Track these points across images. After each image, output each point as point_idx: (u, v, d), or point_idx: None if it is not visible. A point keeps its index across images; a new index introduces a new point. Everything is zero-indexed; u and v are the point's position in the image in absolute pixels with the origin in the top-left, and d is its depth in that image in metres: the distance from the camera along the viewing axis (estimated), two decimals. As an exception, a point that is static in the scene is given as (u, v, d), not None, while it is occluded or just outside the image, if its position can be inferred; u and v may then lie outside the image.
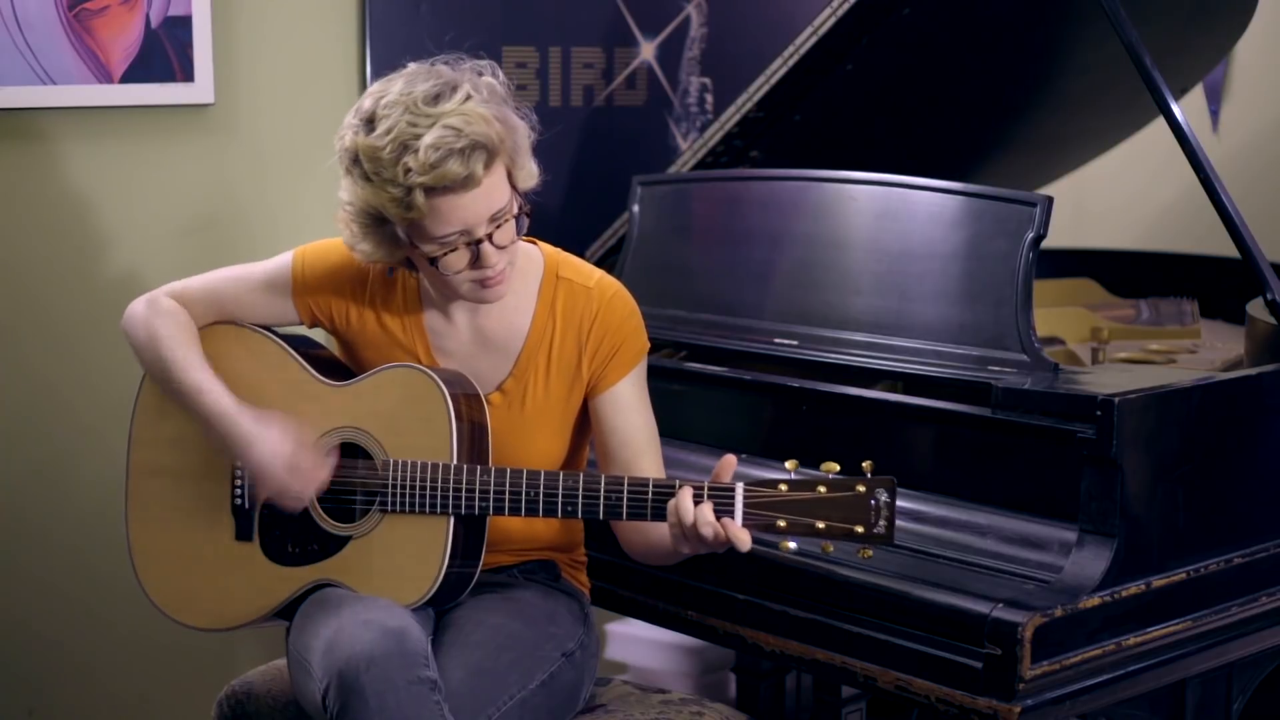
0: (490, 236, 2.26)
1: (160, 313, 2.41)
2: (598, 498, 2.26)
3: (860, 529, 2.15)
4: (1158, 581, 2.30)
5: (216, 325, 2.44)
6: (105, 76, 3.03)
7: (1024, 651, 2.14)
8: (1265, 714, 2.92)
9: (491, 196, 2.25)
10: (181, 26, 3.10)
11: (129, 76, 3.06)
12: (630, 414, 2.41)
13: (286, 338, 2.45)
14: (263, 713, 2.47)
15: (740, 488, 2.18)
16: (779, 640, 2.40)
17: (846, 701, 2.80)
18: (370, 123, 2.24)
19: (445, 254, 2.26)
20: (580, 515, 2.28)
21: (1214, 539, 2.40)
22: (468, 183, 2.21)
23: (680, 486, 2.20)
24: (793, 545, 2.20)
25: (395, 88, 2.25)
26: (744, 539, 2.18)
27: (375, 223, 2.29)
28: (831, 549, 2.20)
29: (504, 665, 2.29)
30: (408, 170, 2.19)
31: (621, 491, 2.25)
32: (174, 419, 2.43)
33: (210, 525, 2.42)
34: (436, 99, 2.22)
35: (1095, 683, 2.24)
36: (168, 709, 3.26)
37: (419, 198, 2.20)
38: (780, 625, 2.40)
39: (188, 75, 3.11)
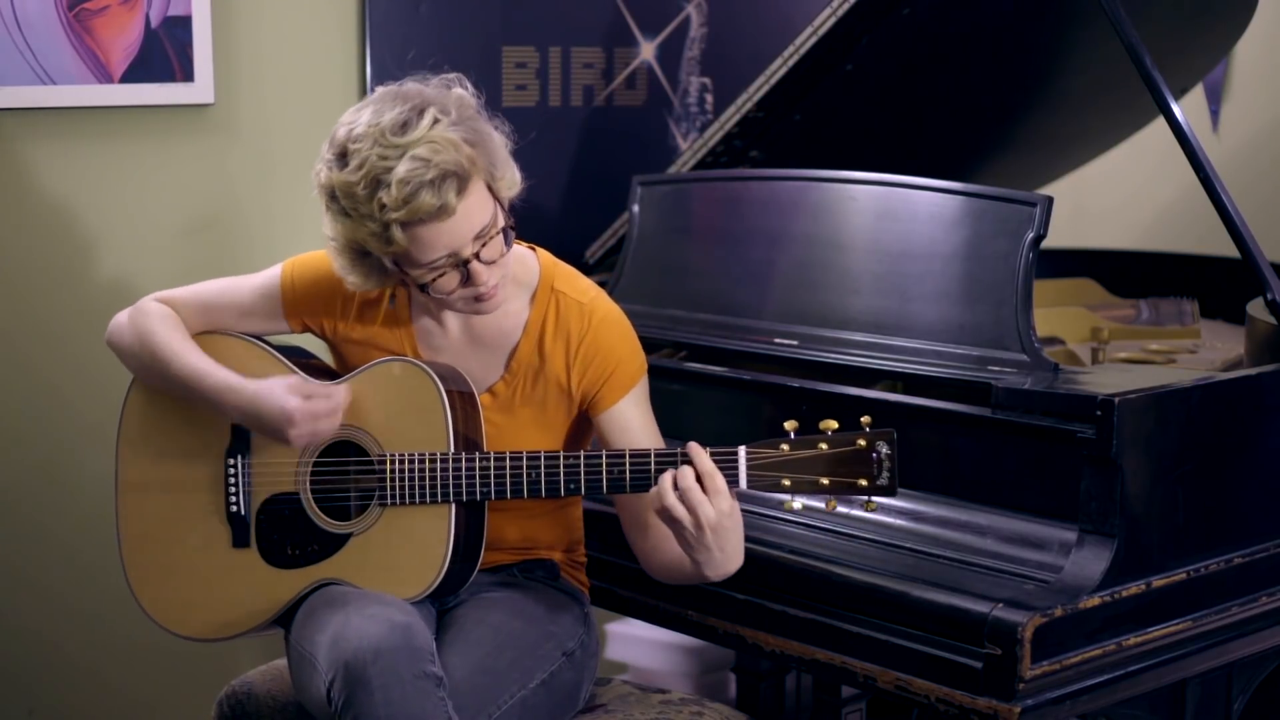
0: (478, 255, 2.26)
1: (147, 314, 2.42)
2: (600, 471, 2.26)
3: (864, 482, 2.17)
4: (1158, 581, 2.30)
5: (204, 334, 2.44)
6: (105, 76, 3.03)
7: (1024, 651, 2.14)
8: (1265, 714, 2.92)
9: (472, 218, 2.24)
10: (181, 26, 3.10)
11: (129, 76, 3.06)
12: (633, 433, 2.40)
13: (276, 346, 2.45)
14: (263, 713, 2.47)
15: (743, 451, 2.20)
16: (779, 640, 2.40)
17: (846, 701, 2.80)
18: (343, 157, 2.23)
19: (435, 278, 2.26)
20: (583, 491, 2.28)
21: (1214, 539, 2.40)
22: (442, 212, 2.20)
23: (681, 454, 2.21)
24: (798, 505, 2.21)
25: (364, 118, 2.23)
26: (722, 490, 2.18)
27: (361, 255, 2.29)
28: (835, 505, 2.22)
29: (505, 664, 2.29)
30: (382, 206, 2.18)
31: (623, 464, 2.25)
32: (161, 433, 2.43)
33: (206, 535, 2.41)
34: (404, 127, 2.20)
35: (1095, 683, 2.24)
36: (167, 709, 3.26)
37: (397, 232, 2.20)
38: (780, 625, 2.40)
39: (188, 75, 3.12)
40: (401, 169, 2.17)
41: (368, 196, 2.20)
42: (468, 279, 2.27)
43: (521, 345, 2.41)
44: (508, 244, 2.30)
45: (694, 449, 2.20)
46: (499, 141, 2.29)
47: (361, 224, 2.22)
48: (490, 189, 2.27)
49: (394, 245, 2.22)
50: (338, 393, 2.33)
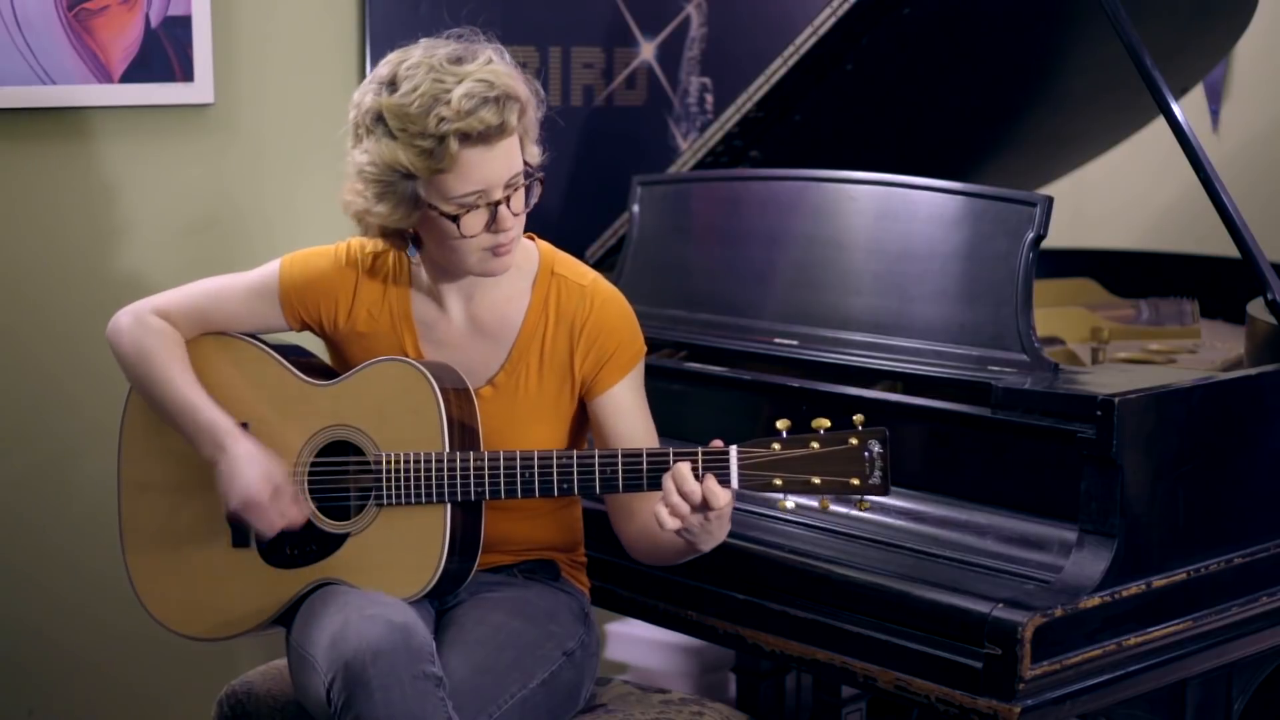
0: (507, 200, 2.28)
1: (149, 330, 2.41)
2: (593, 471, 2.26)
3: (856, 481, 2.17)
4: (1158, 581, 2.30)
5: (203, 336, 2.44)
6: (105, 76, 3.03)
7: (1024, 651, 2.14)
8: (1265, 714, 2.92)
9: (511, 157, 2.28)
10: (181, 26, 3.10)
11: (129, 76, 3.06)
12: (628, 417, 2.41)
13: (273, 345, 2.45)
14: (263, 713, 2.47)
15: (734, 450, 2.20)
16: (779, 640, 2.40)
17: (846, 701, 2.80)
18: (393, 84, 2.27)
19: (464, 213, 2.27)
20: (577, 491, 2.28)
21: (1214, 539, 2.40)
22: (501, 131, 2.24)
23: (674, 454, 2.21)
24: (790, 504, 2.21)
25: (416, 53, 2.29)
26: (722, 495, 2.18)
27: (398, 179, 2.28)
28: (829, 505, 2.22)
29: (505, 663, 2.29)
30: (441, 119, 2.22)
31: (616, 464, 2.25)
32: (163, 433, 2.43)
33: (206, 535, 2.41)
34: (460, 60, 2.27)
35: (1095, 683, 2.24)
36: (168, 709, 3.26)
37: (452, 145, 2.22)
38: (780, 625, 2.40)
39: (187, 75, 3.12)
40: (461, 89, 2.22)
41: (423, 113, 2.23)
42: (493, 221, 2.28)
43: (524, 332, 2.41)
44: (530, 198, 2.33)
45: (679, 471, 2.18)
46: (535, 104, 2.35)
47: (410, 143, 2.24)
48: (523, 144, 2.32)
49: (441, 162, 2.23)
50: (292, 514, 2.33)
